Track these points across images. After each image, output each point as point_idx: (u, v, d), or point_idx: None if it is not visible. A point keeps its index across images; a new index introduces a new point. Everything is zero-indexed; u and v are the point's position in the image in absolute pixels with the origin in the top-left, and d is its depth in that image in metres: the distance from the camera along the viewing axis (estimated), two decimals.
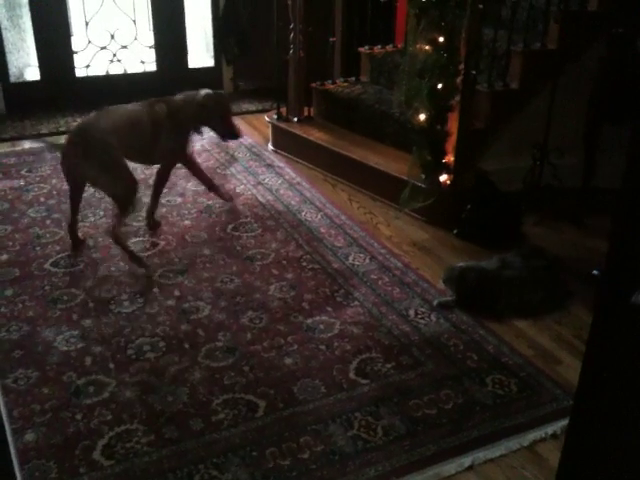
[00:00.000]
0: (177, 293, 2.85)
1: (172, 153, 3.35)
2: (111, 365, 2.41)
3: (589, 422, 1.31)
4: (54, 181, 3.93)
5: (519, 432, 2.14)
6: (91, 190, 3.78)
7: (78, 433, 2.10)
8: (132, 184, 3.04)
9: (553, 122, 3.42)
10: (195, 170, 3.59)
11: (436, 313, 2.73)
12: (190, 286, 2.90)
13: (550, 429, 2.15)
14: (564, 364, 2.46)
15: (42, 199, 3.71)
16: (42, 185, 3.89)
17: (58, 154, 3.21)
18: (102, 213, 3.53)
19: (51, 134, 4.70)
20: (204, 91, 3.34)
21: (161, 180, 3.44)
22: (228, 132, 3.41)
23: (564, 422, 2.14)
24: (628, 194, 1.09)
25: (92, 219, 3.47)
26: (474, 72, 3.30)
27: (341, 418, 2.18)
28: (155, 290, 2.87)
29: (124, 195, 3.00)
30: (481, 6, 3.15)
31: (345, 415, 2.19)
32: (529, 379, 2.37)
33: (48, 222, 3.44)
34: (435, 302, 2.80)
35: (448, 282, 2.80)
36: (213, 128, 3.41)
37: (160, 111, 3.21)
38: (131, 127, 3.10)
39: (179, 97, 3.34)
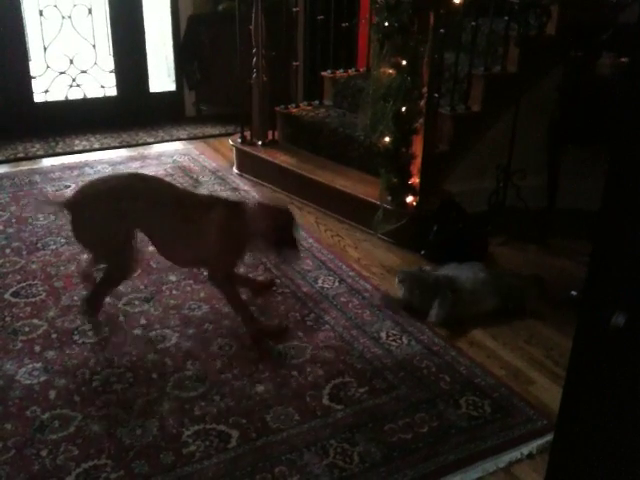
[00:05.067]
0: (143, 321, 2.78)
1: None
2: (76, 398, 2.33)
3: (571, 444, 1.30)
4: (13, 208, 3.83)
5: (495, 454, 2.14)
6: (51, 217, 3.71)
7: (44, 471, 2.02)
8: None
9: (516, 144, 3.48)
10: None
11: (407, 335, 2.73)
12: (157, 314, 2.84)
13: (525, 449, 2.15)
14: (536, 384, 2.46)
15: (1, 227, 3.60)
16: (1, 213, 3.78)
17: None
18: (63, 241, 3.45)
19: (8, 161, 4.60)
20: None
21: None
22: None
23: (539, 442, 2.16)
24: (607, 216, 1.10)
25: (53, 247, 3.38)
26: (437, 95, 3.34)
27: (316, 446, 2.14)
28: (120, 319, 2.80)
29: None
30: (442, 31, 3.21)
31: (320, 443, 2.15)
32: (502, 400, 2.37)
33: (8, 251, 3.33)
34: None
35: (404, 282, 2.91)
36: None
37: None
38: None
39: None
